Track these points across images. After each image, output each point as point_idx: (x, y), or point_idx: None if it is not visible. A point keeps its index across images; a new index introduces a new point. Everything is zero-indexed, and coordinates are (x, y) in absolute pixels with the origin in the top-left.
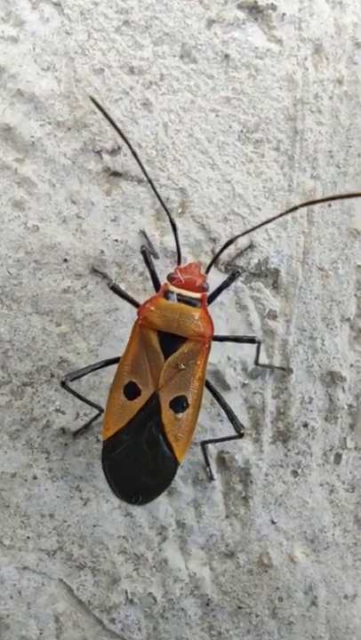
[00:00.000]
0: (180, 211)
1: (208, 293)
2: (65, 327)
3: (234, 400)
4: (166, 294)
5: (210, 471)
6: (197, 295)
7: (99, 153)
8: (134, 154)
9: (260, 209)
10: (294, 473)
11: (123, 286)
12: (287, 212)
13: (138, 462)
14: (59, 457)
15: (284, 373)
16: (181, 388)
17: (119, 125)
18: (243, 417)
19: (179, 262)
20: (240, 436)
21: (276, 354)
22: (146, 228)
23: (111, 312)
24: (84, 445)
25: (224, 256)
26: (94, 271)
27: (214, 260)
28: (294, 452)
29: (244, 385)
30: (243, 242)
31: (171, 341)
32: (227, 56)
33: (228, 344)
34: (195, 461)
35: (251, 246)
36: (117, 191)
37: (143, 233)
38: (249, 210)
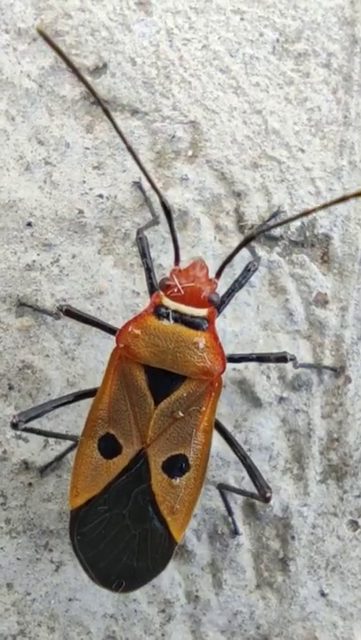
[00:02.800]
0: (190, 153)
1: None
2: (28, 318)
3: (267, 421)
4: (158, 311)
5: (233, 523)
6: (202, 312)
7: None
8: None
9: (303, 150)
10: (354, 524)
11: (110, 260)
12: (333, 202)
13: (119, 542)
14: (20, 503)
15: (339, 384)
16: (179, 443)
17: (105, 34)
18: (280, 445)
19: (177, 261)
20: (266, 500)
21: (328, 355)
22: (142, 177)
23: (94, 297)
24: (56, 486)
25: (249, 219)
26: (21, 306)
27: (228, 261)
28: (353, 495)
29: (281, 399)
30: (267, 205)
31: (164, 381)
32: None
33: (260, 342)
34: (211, 508)
35: (276, 213)
36: (102, 126)
37: (138, 185)
38: (288, 152)
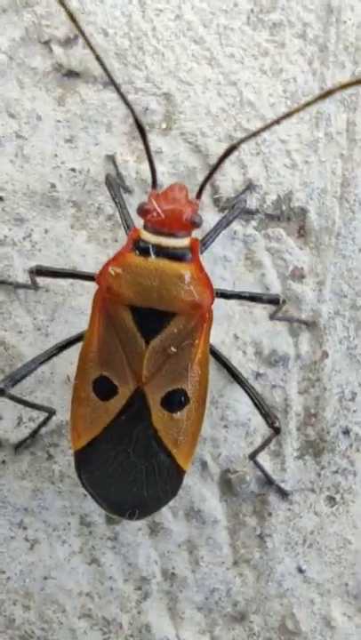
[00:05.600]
0: (164, 126)
1: (200, 236)
2: (1, 294)
3: (243, 397)
4: (137, 246)
5: (279, 488)
6: (185, 242)
7: (47, 44)
8: (90, 46)
9: (278, 122)
10: (331, 500)
11: (83, 235)
12: (316, 99)
13: (127, 476)
14: None
15: (316, 359)
16: (176, 379)
17: (76, 4)
18: (257, 421)
19: (154, 185)
20: (275, 430)
21: (304, 329)
22: (116, 151)
23: None
24: (30, 464)
25: (224, 192)
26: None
27: (209, 179)
28: (330, 471)
29: (258, 375)
30: (243, 178)
31: (152, 319)
32: None
33: (236, 317)
34: (188, 485)
35: (250, 186)
36: (74, 99)
37: (112, 159)
38: (263, 123)
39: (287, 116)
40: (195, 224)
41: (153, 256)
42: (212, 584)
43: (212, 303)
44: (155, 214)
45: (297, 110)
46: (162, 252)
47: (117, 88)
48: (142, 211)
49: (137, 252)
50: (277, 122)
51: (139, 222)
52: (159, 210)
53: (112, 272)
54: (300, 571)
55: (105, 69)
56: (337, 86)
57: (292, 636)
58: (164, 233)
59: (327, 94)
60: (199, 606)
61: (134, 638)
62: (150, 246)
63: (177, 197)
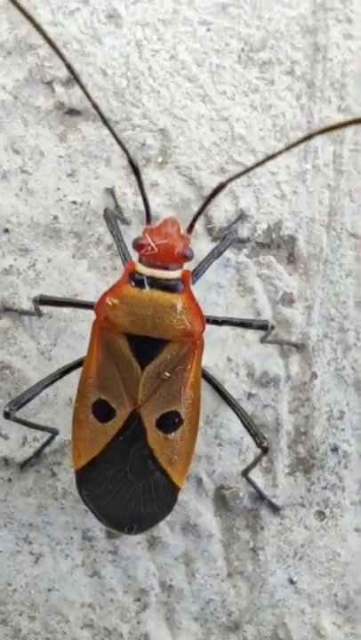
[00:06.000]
0: (160, 160)
1: (193, 267)
2: (6, 321)
3: (236, 417)
4: (133, 278)
5: (270, 503)
6: (176, 274)
7: (49, 84)
8: (82, 86)
9: (262, 163)
10: (320, 514)
11: (84, 264)
12: (301, 141)
13: (125, 494)
14: (0, 497)
15: (306, 380)
16: (170, 401)
17: (76, 46)
18: (249, 439)
19: (148, 220)
20: (264, 450)
21: (294, 352)
22: (115, 184)
23: None
24: (35, 481)
25: (217, 222)
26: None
27: (201, 212)
28: (320, 487)
29: (250, 396)
30: (235, 208)
31: (147, 346)
32: None
33: (230, 341)
34: (183, 500)
35: (242, 216)
36: (75, 135)
37: (111, 192)
38: (254, 157)
39: (271, 157)
40: (186, 257)
41: (147, 287)
42: (207, 595)
43: (202, 331)
44: (149, 248)
45: (280, 153)
46: (155, 283)
47: (111, 130)
48: (137, 245)
49: (132, 284)
50: (262, 163)
51: (135, 254)
52: (153, 244)
53: (109, 302)
54: (292, 582)
55: (100, 114)
56: (319, 130)
57: None
58: (157, 266)
59: (309, 137)
60: (195, 616)
61: None
62: (145, 278)
63: (169, 232)
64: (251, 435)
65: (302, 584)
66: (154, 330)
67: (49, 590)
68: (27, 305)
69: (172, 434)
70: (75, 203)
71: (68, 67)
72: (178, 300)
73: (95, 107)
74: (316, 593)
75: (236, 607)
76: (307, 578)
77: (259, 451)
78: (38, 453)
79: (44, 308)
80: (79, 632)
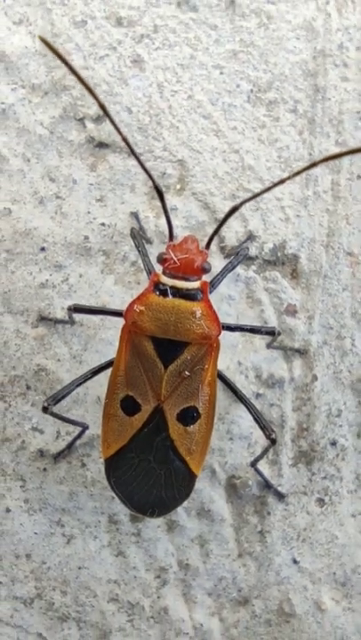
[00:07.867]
0: (178, 187)
1: (209, 279)
2: (43, 329)
3: (245, 414)
4: (157, 288)
5: (275, 491)
6: (196, 285)
7: (81, 121)
8: (108, 116)
9: (270, 189)
10: (320, 501)
11: (111, 278)
12: (304, 169)
13: (148, 480)
14: (36, 485)
15: (307, 381)
16: (189, 397)
17: (105, 87)
18: (257, 434)
19: (171, 237)
20: (272, 442)
21: (297, 357)
22: (138, 208)
23: None
24: (67, 471)
25: (228, 242)
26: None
27: (216, 232)
28: (320, 477)
29: (258, 395)
30: (244, 229)
31: (169, 348)
32: (232, 2)
33: (240, 347)
34: (198, 489)
35: (251, 237)
36: (104, 166)
37: (135, 215)
38: (261, 184)
39: (277, 184)
40: (204, 270)
41: (170, 296)
42: (220, 573)
43: (219, 335)
44: (172, 262)
45: (282, 181)
46: (177, 292)
47: (138, 159)
48: (161, 259)
49: (157, 293)
50: (269, 189)
51: (158, 268)
52: (175, 259)
53: (137, 309)
54: (295, 562)
55: (129, 146)
56: (320, 159)
57: (289, 617)
58: (179, 277)
59: (313, 166)
60: (209, 592)
61: (154, 619)
62: (168, 288)
63: (190, 248)
64: (261, 428)
65: (305, 563)
66: (176, 333)
67: (79, 568)
68: (60, 315)
69: (191, 426)
70: (103, 224)
71: (102, 105)
72: (197, 307)
73: (124, 140)
74: (317, 571)
75: (246, 584)
76: (309, 558)
77: (266, 444)
78: (70, 446)
79: (77, 317)
80: (106, 605)
